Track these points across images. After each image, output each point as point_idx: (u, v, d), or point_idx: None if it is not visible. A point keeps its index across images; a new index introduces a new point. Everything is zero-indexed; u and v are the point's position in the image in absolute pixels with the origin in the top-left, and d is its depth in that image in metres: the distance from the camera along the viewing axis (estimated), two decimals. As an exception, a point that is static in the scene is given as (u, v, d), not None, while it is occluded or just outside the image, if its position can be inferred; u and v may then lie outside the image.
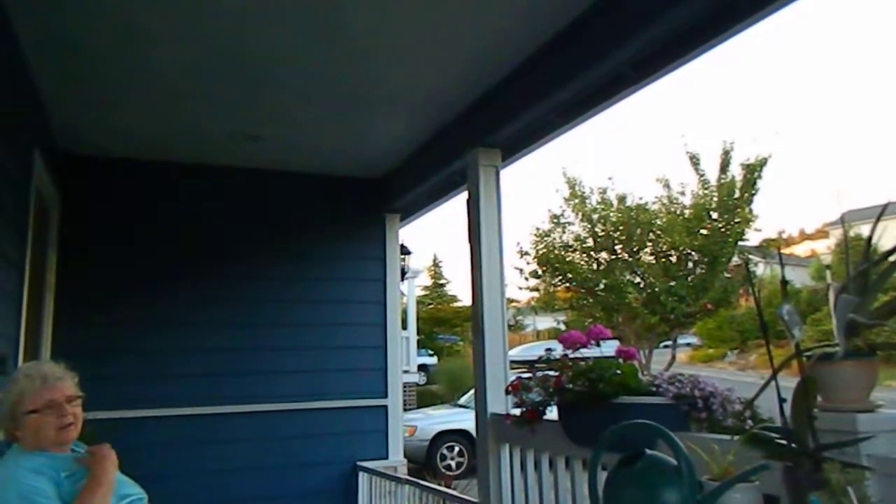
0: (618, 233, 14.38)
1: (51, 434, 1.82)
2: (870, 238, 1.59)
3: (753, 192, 13.98)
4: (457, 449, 10.26)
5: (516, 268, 15.36)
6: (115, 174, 4.41)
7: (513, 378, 2.84)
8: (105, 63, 3.12)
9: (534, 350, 14.94)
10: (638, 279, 14.44)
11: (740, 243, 14.34)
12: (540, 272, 15.26)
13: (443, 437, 10.27)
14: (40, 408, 1.82)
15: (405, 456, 5.11)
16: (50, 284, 3.95)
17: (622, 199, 14.62)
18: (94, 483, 1.77)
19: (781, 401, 1.39)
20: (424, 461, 9.83)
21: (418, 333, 17.09)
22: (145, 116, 3.81)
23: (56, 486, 1.74)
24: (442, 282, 32.02)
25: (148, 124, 3.94)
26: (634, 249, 14.44)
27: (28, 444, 1.82)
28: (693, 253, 14.06)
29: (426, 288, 30.62)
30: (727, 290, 14.45)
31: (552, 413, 2.55)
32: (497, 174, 3.55)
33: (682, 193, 14.55)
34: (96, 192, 4.33)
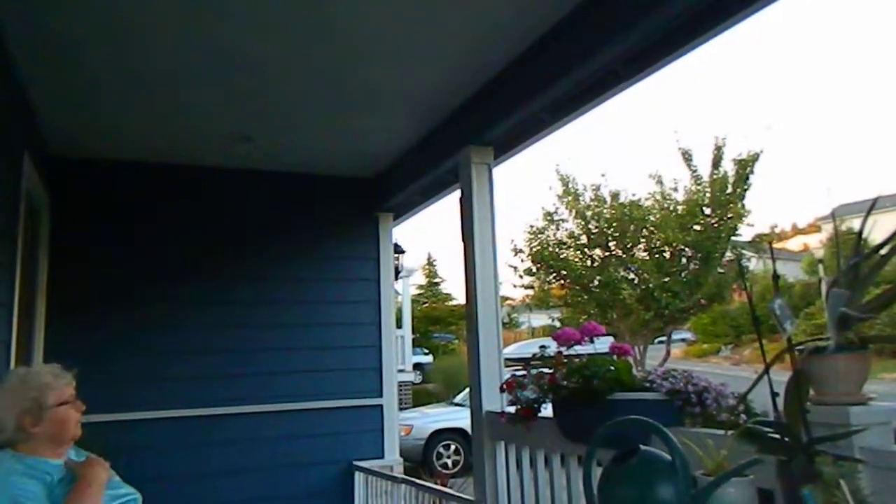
0: (611, 229, 14.42)
1: (72, 428, 1.84)
2: (860, 232, 1.59)
3: (745, 187, 14.05)
4: (453, 447, 10.26)
5: (510, 265, 15.40)
6: (105, 176, 4.38)
7: (507, 376, 2.84)
8: (96, 65, 3.09)
9: (529, 347, 14.99)
10: (632, 275, 14.49)
11: (733, 238, 14.42)
12: (534, 269, 15.29)
13: (439, 435, 10.26)
14: (69, 399, 1.84)
15: (401, 455, 5.11)
16: (41, 287, 3.93)
17: (615, 195, 14.66)
18: (83, 483, 1.75)
19: (774, 395, 1.40)
20: (420, 460, 9.83)
21: (413, 332, 17.10)
22: (136, 118, 3.79)
23: (48, 488, 1.72)
24: (437, 280, 32.06)
25: (139, 126, 3.91)
26: (628, 246, 14.49)
27: (37, 442, 1.78)
28: (686, 249, 14.12)
29: (421, 286, 30.64)
30: (720, 285, 14.52)
31: (547, 410, 2.55)
32: (489, 172, 3.55)
33: (675, 189, 14.63)
34: (87, 194, 4.31)
